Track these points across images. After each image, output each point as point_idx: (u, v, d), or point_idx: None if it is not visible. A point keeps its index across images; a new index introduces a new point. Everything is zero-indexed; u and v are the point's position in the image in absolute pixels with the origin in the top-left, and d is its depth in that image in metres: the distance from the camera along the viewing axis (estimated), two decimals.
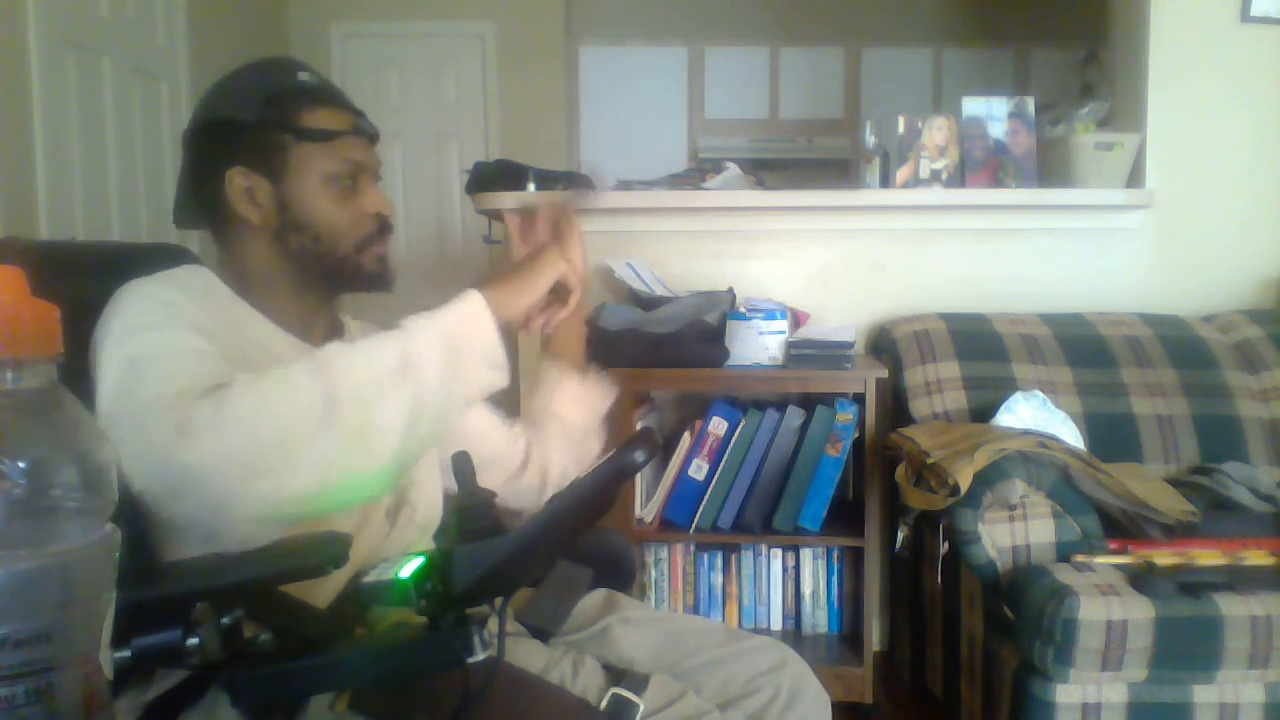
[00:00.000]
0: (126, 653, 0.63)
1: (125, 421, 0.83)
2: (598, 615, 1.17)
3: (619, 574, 1.31)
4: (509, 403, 1.18)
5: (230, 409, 0.80)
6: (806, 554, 2.26)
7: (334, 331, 1.14)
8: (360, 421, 0.82)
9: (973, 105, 2.37)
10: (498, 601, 0.70)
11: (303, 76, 1.03)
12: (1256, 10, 2.35)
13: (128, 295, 0.95)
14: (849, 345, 2.10)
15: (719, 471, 2.12)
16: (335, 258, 1.04)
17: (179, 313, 0.93)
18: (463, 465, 0.73)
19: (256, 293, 1.05)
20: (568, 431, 1.27)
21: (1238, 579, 1.50)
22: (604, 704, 0.96)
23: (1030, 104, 2.38)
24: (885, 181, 2.39)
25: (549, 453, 1.26)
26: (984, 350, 2.19)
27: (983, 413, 2.04)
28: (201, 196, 1.04)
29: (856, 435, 2.10)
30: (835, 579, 2.27)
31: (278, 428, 0.80)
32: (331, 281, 1.07)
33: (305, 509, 0.83)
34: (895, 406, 2.23)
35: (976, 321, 2.28)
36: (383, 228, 1.07)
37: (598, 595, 1.21)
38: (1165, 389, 2.13)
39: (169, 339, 0.90)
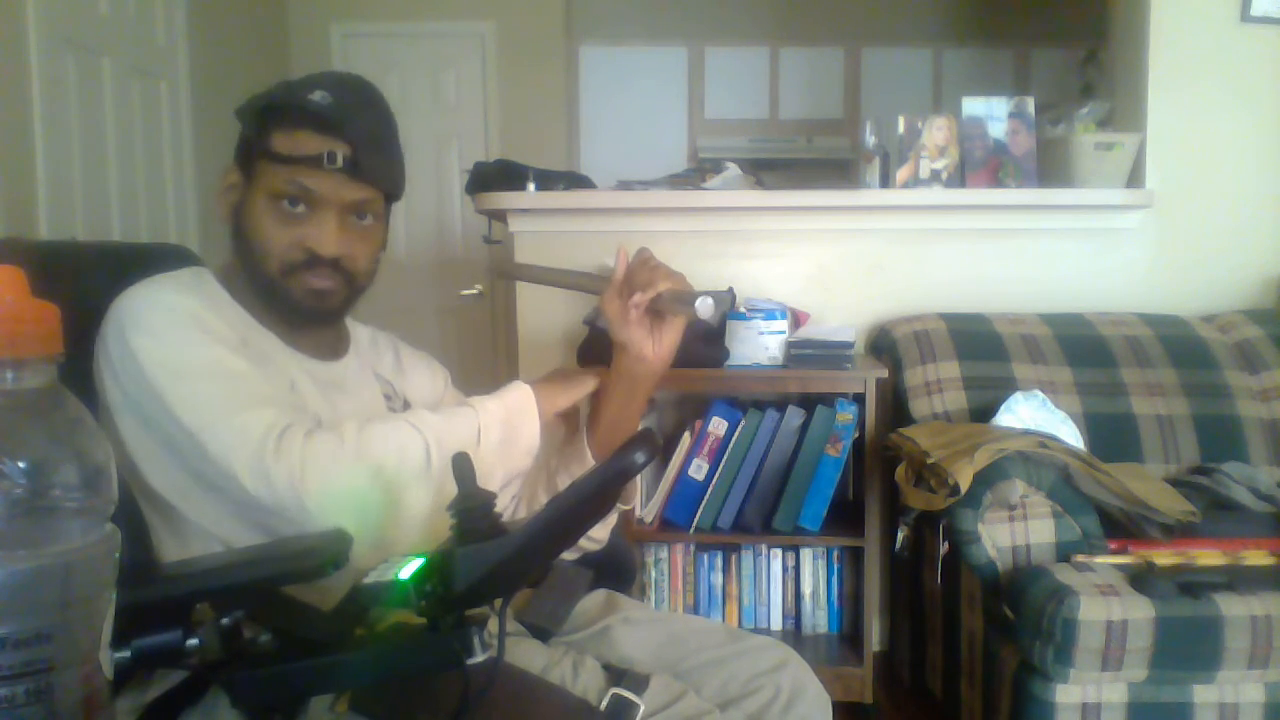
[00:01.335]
0: (126, 653, 0.63)
1: (211, 444, 0.90)
2: (598, 615, 1.16)
3: (619, 574, 1.31)
4: None
5: (351, 447, 0.92)
6: (806, 554, 2.26)
7: (337, 344, 1.14)
8: (443, 476, 0.92)
9: (973, 105, 2.37)
10: (498, 602, 0.70)
11: (313, 96, 1.00)
12: (1256, 10, 2.35)
13: (143, 301, 0.97)
14: (849, 345, 2.10)
15: (719, 471, 2.12)
16: (264, 276, 1.04)
17: (206, 325, 0.97)
18: (463, 467, 0.73)
19: (246, 296, 1.07)
20: (549, 492, 1.22)
21: (1238, 579, 1.49)
22: (604, 704, 0.95)
23: (1030, 104, 2.38)
24: (885, 181, 2.39)
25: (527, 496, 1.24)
26: (984, 350, 2.19)
27: (983, 413, 2.04)
28: None
29: (856, 435, 2.10)
30: (835, 579, 2.27)
31: (394, 465, 0.93)
32: (266, 298, 1.06)
33: (403, 540, 0.91)
34: (895, 406, 2.23)
35: (976, 321, 2.27)
36: (313, 263, 1.03)
37: (598, 595, 1.21)
38: (1165, 389, 2.13)
39: (212, 357, 0.95)
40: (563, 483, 1.19)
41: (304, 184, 1.00)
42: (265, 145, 1.01)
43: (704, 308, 1.04)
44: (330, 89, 1.02)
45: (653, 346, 1.12)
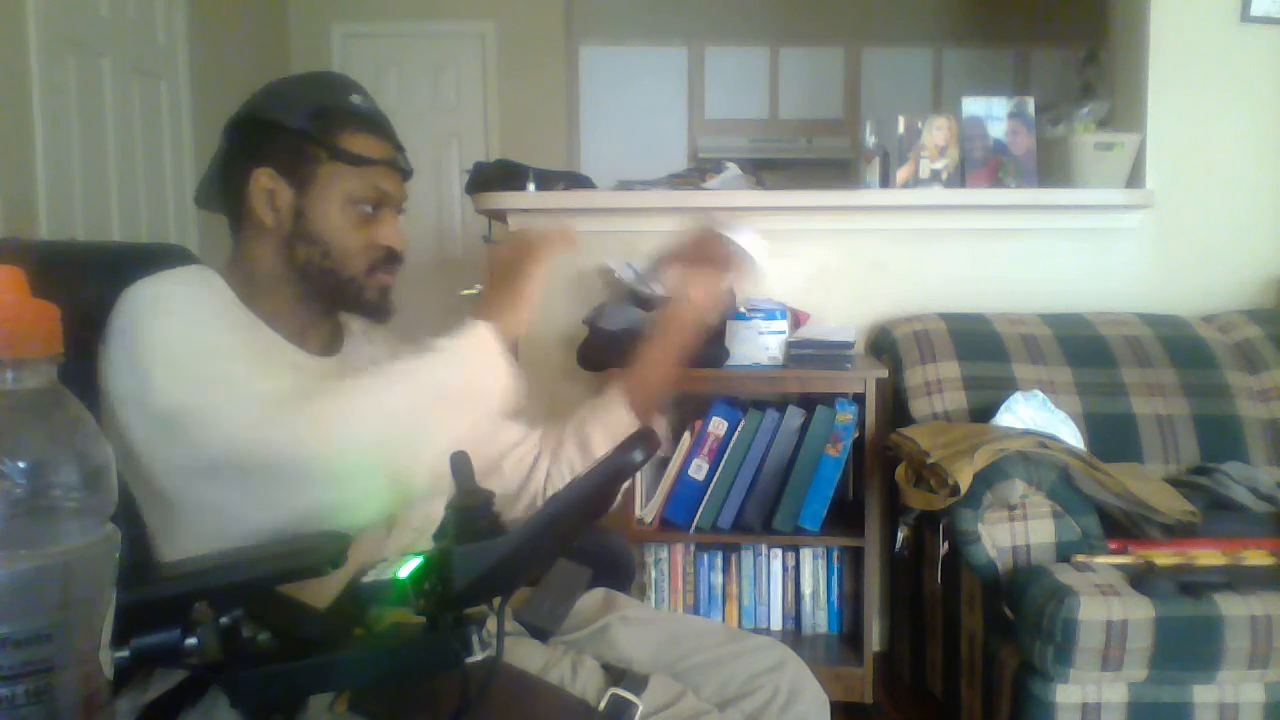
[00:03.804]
0: (126, 653, 0.64)
1: (204, 418, 0.90)
2: (597, 615, 1.17)
3: (618, 574, 1.31)
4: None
5: (342, 402, 0.92)
6: (806, 554, 2.26)
7: (334, 340, 1.15)
8: (437, 418, 0.95)
9: (973, 105, 2.37)
10: (496, 601, 0.70)
11: (355, 99, 1.06)
12: (1256, 10, 2.35)
13: (156, 289, 0.97)
14: (849, 345, 2.10)
15: (719, 471, 2.12)
16: (340, 277, 1.06)
17: (215, 313, 0.99)
18: (461, 465, 0.73)
19: (258, 295, 1.07)
20: (584, 458, 1.23)
21: (1238, 579, 1.49)
22: (603, 704, 0.95)
23: (1030, 104, 2.38)
24: (885, 181, 2.39)
25: (555, 465, 1.24)
26: (984, 350, 2.19)
27: (983, 413, 2.04)
28: (227, 186, 1.07)
29: (856, 435, 2.10)
30: (835, 579, 2.27)
31: (385, 417, 0.93)
32: (331, 299, 1.09)
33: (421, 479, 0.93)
34: (895, 406, 2.23)
35: (976, 321, 2.27)
36: (390, 259, 1.09)
37: (596, 594, 1.21)
38: (1165, 389, 2.13)
39: (218, 342, 0.96)
40: (592, 432, 1.21)
41: (382, 187, 1.06)
42: (334, 148, 1.03)
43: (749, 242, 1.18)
44: (359, 92, 1.07)
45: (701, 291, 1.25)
